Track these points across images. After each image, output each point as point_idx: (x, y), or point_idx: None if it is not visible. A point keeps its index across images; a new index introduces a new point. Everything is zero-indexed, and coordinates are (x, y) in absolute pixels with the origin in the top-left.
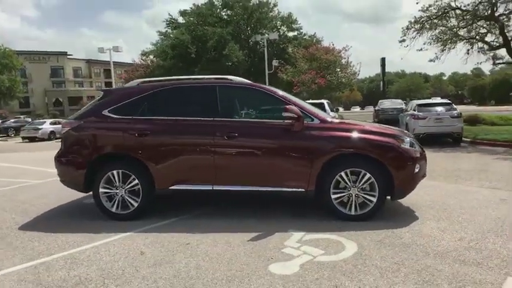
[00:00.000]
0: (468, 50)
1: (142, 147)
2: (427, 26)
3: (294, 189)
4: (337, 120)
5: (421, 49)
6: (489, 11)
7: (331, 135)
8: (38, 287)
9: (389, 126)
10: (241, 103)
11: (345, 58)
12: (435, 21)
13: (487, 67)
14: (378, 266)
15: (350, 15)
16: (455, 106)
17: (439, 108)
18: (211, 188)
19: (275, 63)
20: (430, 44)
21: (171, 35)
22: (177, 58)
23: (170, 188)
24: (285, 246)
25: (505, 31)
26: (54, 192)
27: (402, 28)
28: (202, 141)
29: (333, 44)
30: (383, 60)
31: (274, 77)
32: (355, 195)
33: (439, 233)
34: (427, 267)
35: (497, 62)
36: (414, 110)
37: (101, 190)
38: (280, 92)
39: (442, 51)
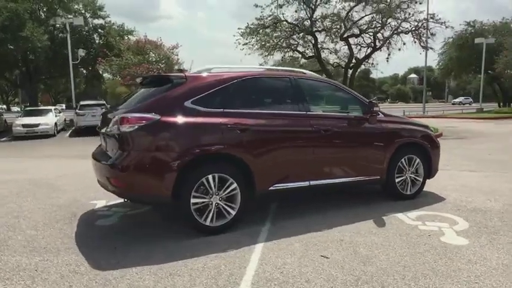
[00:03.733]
0: (282, 57)
1: (245, 145)
2: (253, 35)
3: (374, 177)
4: (392, 114)
5: (250, 54)
6: (309, 26)
7: (398, 127)
8: None
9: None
10: (316, 96)
11: (176, 55)
12: (267, 30)
13: None
14: (502, 224)
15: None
16: None
17: None
18: (308, 184)
19: (81, 52)
20: (258, 49)
21: None
22: None
23: (270, 188)
24: (413, 225)
25: (318, 45)
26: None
27: (241, 31)
28: (303, 136)
29: (160, 39)
30: None
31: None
32: (409, 177)
33: (473, 198)
34: None
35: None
36: None
37: (193, 201)
38: (347, 87)
39: (266, 56)
